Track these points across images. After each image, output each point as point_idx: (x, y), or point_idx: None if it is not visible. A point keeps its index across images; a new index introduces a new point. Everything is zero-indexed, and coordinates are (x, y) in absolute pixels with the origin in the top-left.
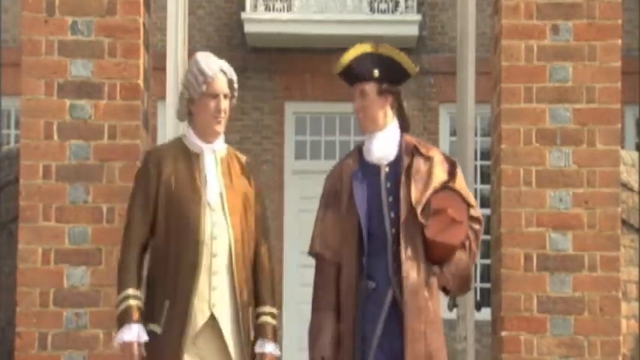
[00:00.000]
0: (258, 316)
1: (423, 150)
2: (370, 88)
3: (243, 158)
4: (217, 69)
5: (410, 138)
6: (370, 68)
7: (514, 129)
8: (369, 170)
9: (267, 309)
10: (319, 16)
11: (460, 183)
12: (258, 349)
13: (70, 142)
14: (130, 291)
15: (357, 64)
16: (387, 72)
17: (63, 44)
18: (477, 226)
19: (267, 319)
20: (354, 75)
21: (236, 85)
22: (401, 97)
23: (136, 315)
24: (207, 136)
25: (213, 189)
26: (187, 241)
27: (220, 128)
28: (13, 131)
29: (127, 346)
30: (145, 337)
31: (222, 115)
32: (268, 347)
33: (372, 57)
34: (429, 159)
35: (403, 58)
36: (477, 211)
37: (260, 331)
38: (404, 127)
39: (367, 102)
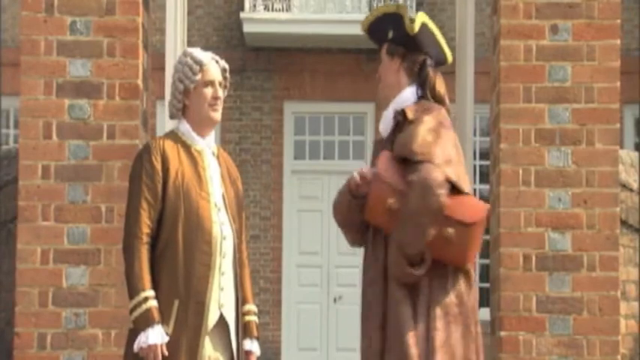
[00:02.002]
0: (243, 314)
1: (408, 118)
2: (383, 49)
3: (223, 151)
4: (209, 57)
5: (411, 106)
6: (386, 29)
7: (513, 129)
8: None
9: (252, 307)
10: (318, 15)
11: (402, 138)
12: (246, 347)
13: (69, 141)
14: (149, 292)
15: (375, 26)
16: (399, 32)
17: (62, 44)
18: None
19: (253, 317)
20: (373, 38)
21: (228, 75)
22: (425, 64)
23: (157, 316)
24: (204, 127)
25: (217, 189)
26: (200, 240)
27: (218, 116)
28: (12, 131)
29: (152, 349)
30: (166, 338)
31: (219, 102)
32: (255, 346)
33: (389, 17)
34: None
35: (405, 15)
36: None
37: (247, 330)
38: (429, 97)
39: (380, 65)
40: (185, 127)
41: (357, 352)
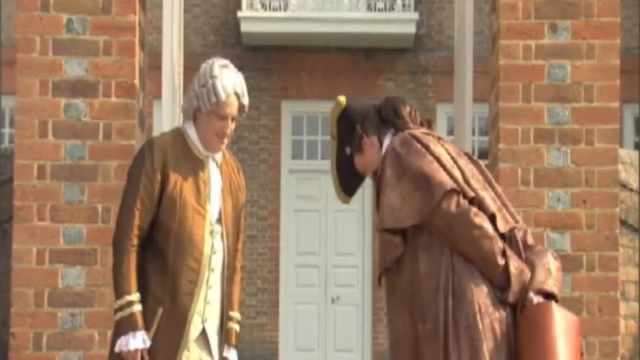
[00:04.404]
0: (226, 320)
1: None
2: (353, 150)
3: (230, 156)
4: (232, 91)
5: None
6: (345, 156)
7: (512, 128)
8: None
9: (234, 314)
10: (316, 14)
11: (384, 198)
12: (223, 354)
13: (65, 141)
14: (134, 296)
15: (341, 167)
16: (346, 130)
17: (58, 42)
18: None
19: (234, 325)
20: (349, 175)
21: (247, 109)
22: (378, 110)
23: (140, 322)
24: (209, 150)
25: (216, 203)
26: (189, 256)
27: (222, 148)
28: (8, 130)
29: (131, 354)
30: (148, 343)
31: (227, 137)
32: (232, 354)
33: (337, 151)
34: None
35: (332, 116)
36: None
37: (226, 337)
38: (401, 126)
39: (358, 164)
40: (193, 134)
41: (355, 352)
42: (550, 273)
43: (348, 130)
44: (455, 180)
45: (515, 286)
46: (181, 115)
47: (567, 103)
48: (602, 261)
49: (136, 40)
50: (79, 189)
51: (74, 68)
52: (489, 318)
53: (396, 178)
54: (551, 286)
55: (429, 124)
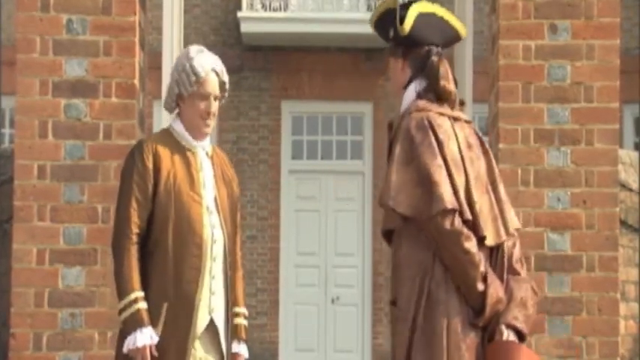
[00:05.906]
0: (233, 316)
1: (398, 122)
2: (387, 50)
3: (220, 150)
4: (210, 69)
5: (411, 107)
6: (387, 28)
7: (512, 128)
8: None
9: (241, 310)
10: (316, 14)
11: (388, 175)
12: (233, 350)
13: (65, 141)
14: (137, 293)
15: (379, 24)
16: (397, 31)
17: (58, 43)
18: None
19: (242, 320)
20: (381, 36)
21: (227, 87)
22: (429, 56)
23: (146, 318)
24: (196, 136)
25: (210, 191)
26: (190, 243)
27: (209, 130)
28: (8, 130)
29: (140, 351)
30: (156, 339)
31: (212, 117)
32: (242, 348)
33: (389, 15)
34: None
35: (396, 15)
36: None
37: (235, 332)
38: (436, 94)
39: (388, 65)
40: (179, 127)
41: (355, 352)
42: (525, 308)
43: (401, 37)
44: (456, 192)
45: (488, 313)
46: None
47: (567, 104)
48: (602, 261)
49: (136, 40)
50: (79, 189)
51: (74, 68)
52: (456, 337)
53: (403, 160)
54: (522, 323)
55: (461, 102)
